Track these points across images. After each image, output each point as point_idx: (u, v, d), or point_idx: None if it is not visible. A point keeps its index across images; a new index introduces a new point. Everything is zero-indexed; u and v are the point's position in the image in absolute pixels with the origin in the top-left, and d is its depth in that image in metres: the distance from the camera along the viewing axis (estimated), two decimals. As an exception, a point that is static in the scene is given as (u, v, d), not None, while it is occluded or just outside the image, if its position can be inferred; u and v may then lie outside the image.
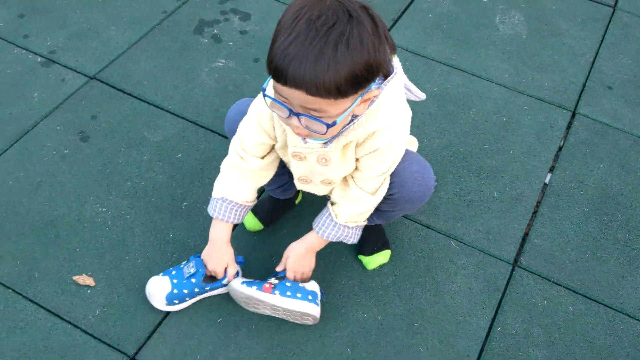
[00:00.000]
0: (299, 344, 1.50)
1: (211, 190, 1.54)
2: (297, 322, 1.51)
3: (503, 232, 1.74)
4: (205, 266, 1.49)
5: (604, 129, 2.02)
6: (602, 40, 2.31)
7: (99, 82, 2.01)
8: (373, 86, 1.18)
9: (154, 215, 1.70)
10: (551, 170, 1.90)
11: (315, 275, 1.60)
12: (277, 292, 1.45)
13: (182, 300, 1.51)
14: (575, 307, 1.61)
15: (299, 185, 1.46)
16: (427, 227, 1.74)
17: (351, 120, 1.23)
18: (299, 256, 1.50)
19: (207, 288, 1.50)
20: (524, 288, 1.64)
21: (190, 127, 1.91)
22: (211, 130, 1.91)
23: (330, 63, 1.05)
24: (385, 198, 1.41)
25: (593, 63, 2.23)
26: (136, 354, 1.46)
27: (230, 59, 2.12)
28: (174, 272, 1.51)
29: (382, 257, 1.66)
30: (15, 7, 2.22)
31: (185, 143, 1.87)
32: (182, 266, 1.53)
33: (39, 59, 2.06)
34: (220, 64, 2.10)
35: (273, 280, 1.49)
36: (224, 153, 1.80)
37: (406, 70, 2.12)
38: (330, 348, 1.50)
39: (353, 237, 1.46)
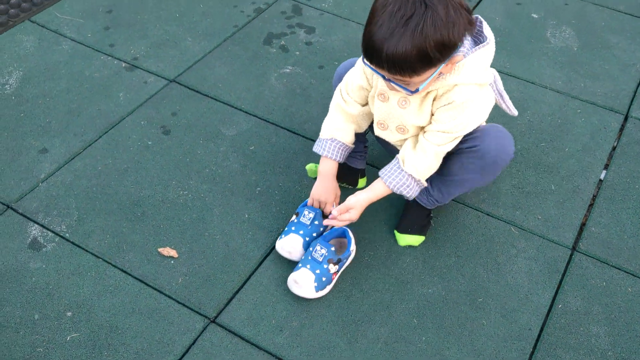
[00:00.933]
0: (367, 313, 1.59)
1: (282, 179, 1.83)
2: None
3: (561, 221, 1.81)
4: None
5: (657, 131, 2.09)
6: (652, 53, 2.40)
7: (177, 84, 2.19)
8: (458, 52, 1.38)
9: (230, 198, 1.83)
10: (606, 167, 1.97)
11: (381, 254, 1.70)
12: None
13: (313, 244, 1.64)
14: (635, 289, 1.66)
15: (377, 131, 1.61)
16: (488, 214, 1.82)
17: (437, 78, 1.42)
18: (362, 207, 1.62)
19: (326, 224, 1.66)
20: (583, 270, 1.70)
21: (262, 124, 2.06)
22: (281, 127, 2.05)
23: (406, 49, 1.27)
24: (463, 151, 1.54)
25: (644, 72, 2.32)
26: (216, 317, 1.57)
27: (297, 66, 2.28)
28: (293, 228, 1.67)
29: (413, 240, 1.74)
30: (101, 21, 2.44)
31: (257, 137, 2.01)
32: (295, 220, 1.68)
33: (124, 64, 2.25)
34: (288, 70, 2.26)
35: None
36: (293, 146, 1.95)
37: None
38: (397, 318, 1.58)
39: (412, 191, 1.57)
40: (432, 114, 1.48)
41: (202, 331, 1.54)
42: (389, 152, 1.81)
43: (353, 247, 1.66)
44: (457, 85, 1.41)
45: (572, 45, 2.43)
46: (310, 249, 1.62)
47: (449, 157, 1.58)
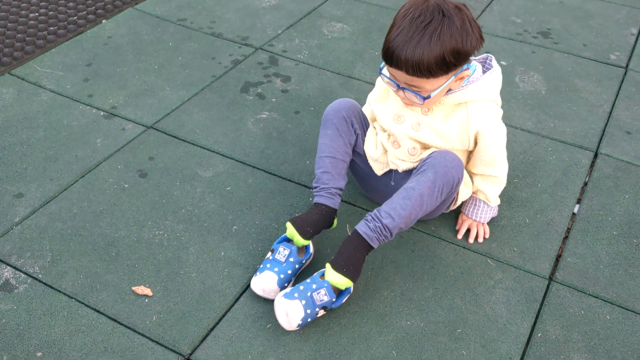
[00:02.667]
0: (346, 347, 1.56)
1: (259, 217, 1.88)
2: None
3: (537, 252, 1.82)
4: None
5: (626, 166, 2.14)
6: (617, 95, 2.48)
7: (155, 130, 2.21)
8: (466, 67, 1.57)
9: (207, 237, 1.83)
10: (578, 202, 2.00)
11: (359, 287, 1.69)
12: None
13: (289, 281, 1.65)
14: (613, 316, 1.66)
15: (388, 147, 1.74)
16: (464, 248, 1.83)
17: (448, 93, 1.61)
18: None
19: (304, 261, 1.68)
20: (561, 299, 1.70)
21: (239, 165, 2.08)
22: (258, 168, 2.07)
23: (424, 50, 1.46)
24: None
25: (610, 113, 2.39)
26: (191, 354, 1.53)
27: (273, 112, 2.32)
28: (268, 265, 1.65)
29: (342, 282, 1.55)
30: (81, 74, 2.48)
31: (234, 178, 2.03)
32: (271, 257, 1.67)
33: (102, 113, 2.28)
34: (264, 115, 2.30)
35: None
36: (270, 186, 1.97)
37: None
38: (376, 351, 1.56)
39: (492, 214, 1.86)
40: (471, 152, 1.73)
41: (176, 368, 1.51)
42: (368, 191, 1.89)
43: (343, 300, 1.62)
44: (470, 104, 1.62)
45: (540, 89, 2.51)
46: (314, 286, 1.55)
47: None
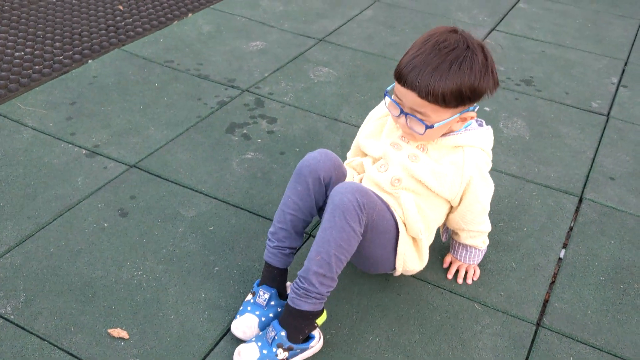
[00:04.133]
0: (329, 393, 1.51)
1: (242, 258, 1.83)
2: None
3: (524, 297, 1.79)
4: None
5: (611, 212, 2.14)
6: (599, 141, 2.51)
7: (138, 169, 2.18)
8: (472, 109, 1.52)
9: (187, 278, 1.78)
10: (564, 246, 1.99)
11: (343, 332, 1.64)
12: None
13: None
14: (602, 363, 1.62)
15: (373, 171, 1.63)
16: (450, 292, 1.80)
17: (445, 134, 1.57)
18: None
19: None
20: (549, 346, 1.66)
21: (222, 205, 2.04)
22: (241, 208, 2.03)
23: (442, 76, 1.40)
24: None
25: (594, 159, 2.40)
26: (167, 400, 1.47)
27: (259, 152, 2.30)
28: (249, 308, 1.61)
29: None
30: (64, 112, 2.46)
31: (217, 218, 1.99)
32: (252, 301, 1.62)
33: (84, 151, 2.25)
34: (249, 156, 2.28)
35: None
36: (253, 227, 1.94)
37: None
38: (361, 397, 1.50)
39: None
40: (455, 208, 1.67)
41: (152, 415, 1.44)
42: None
43: (315, 344, 1.56)
44: (471, 148, 1.58)
45: (524, 134, 2.52)
46: (270, 328, 1.54)
47: None
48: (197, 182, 2.14)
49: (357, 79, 2.82)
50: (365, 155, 1.73)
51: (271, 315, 1.61)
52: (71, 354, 1.55)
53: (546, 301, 1.79)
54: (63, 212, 1.98)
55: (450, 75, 1.40)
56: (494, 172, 2.28)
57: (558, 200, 2.17)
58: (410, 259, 1.65)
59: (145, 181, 2.13)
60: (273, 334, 1.51)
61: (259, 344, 1.51)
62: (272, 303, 1.62)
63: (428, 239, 1.67)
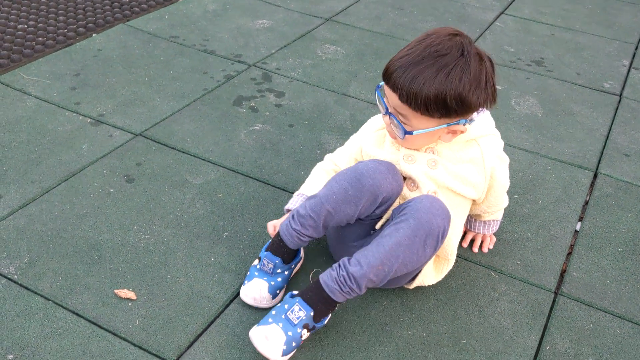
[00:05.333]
0: (343, 355, 1.46)
1: (252, 224, 1.78)
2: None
3: (541, 266, 1.75)
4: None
5: (626, 186, 2.10)
6: (613, 120, 2.47)
7: (144, 138, 2.13)
8: (463, 123, 1.38)
9: (196, 242, 1.73)
10: (580, 219, 1.95)
11: (357, 297, 1.59)
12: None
13: (282, 288, 1.56)
14: (623, 331, 1.57)
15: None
16: (466, 260, 1.75)
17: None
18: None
19: (292, 266, 1.58)
20: (568, 313, 1.61)
21: (230, 174, 2.00)
22: (250, 177, 1.99)
23: (427, 81, 1.28)
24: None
25: (608, 136, 2.36)
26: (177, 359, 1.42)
27: (267, 124, 2.26)
28: (256, 273, 1.55)
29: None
30: (68, 82, 2.41)
31: (225, 186, 1.94)
32: (258, 266, 1.56)
33: (89, 120, 2.20)
34: (257, 127, 2.24)
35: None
36: (263, 195, 1.89)
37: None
38: (376, 360, 1.45)
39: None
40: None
41: (160, 374, 1.38)
42: (339, 244, 1.61)
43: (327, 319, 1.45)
44: (484, 138, 1.50)
45: (536, 112, 2.48)
46: (286, 306, 1.39)
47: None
48: (205, 151, 2.09)
49: (365, 57, 2.78)
50: None
51: (279, 280, 1.55)
52: (77, 314, 1.50)
53: (564, 271, 1.75)
54: (68, 177, 1.93)
55: (435, 82, 1.27)
56: (507, 146, 2.24)
57: (573, 174, 2.13)
58: (429, 276, 1.56)
59: (151, 149, 2.08)
60: (302, 313, 1.37)
61: (280, 324, 1.36)
62: (278, 271, 1.56)
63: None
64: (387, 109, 1.39)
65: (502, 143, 1.60)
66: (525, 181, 2.08)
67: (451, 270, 1.71)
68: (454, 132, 1.40)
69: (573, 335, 1.55)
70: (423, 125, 1.35)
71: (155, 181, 1.94)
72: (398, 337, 1.51)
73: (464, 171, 1.48)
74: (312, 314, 1.37)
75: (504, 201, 1.69)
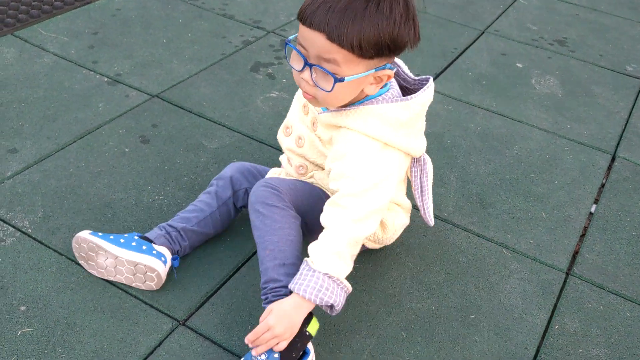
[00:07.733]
0: (352, 324, 1.46)
1: None
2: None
3: (554, 246, 1.74)
4: None
5: (644, 171, 2.07)
6: (634, 104, 2.43)
7: (160, 99, 2.12)
8: (389, 67, 1.24)
9: (209, 205, 1.73)
10: (596, 202, 1.93)
11: (367, 266, 1.60)
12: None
13: None
14: (634, 314, 1.57)
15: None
16: (478, 235, 1.74)
17: (351, 104, 1.29)
18: (281, 318, 1.25)
19: None
20: (579, 294, 1.61)
21: (246, 140, 1.99)
22: (266, 144, 1.98)
23: (357, 16, 1.12)
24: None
25: (628, 120, 2.33)
26: (187, 320, 1.43)
27: (283, 92, 2.24)
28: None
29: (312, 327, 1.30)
30: (86, 41, 2.40)
31: (240, 151, 1.94)
32: None
33: (106, 79, 2.19)
34: (274, 94, 2.22)
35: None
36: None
37: (449, 113, 2.23)
38: (384, 330, 1.46)
39: (335, 296, 1.25)
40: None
41: (170, 333, 1.39)
42: None
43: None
44: (343, 128, 1.28)
45: (556, 92, 2.45)
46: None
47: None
48: (220, 116, 2.08)
49: (386, 29, 2.74)
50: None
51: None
52: (89, 270, 1.51)
53: (576, 252, 1.74)
54: (83, 135, 1.93)
55: (366, 17, 1.12)
56: (525, 125, 2.22)
57: (590, 156, 2.11)
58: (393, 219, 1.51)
59: (167, 111, 2.07)
60: (263, 357, 1.24)
61: None
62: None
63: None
64: (305, 61, 1.20)
65: (384, 153, 1.31)
66: (542, 161, 2.06)
67: (463, 245, 1.71)
68: (380, 80, 1.25)
69: (582, 316, 1.55)
70: (353, 71, 1.18)
71: (171, 143, 1.94)
72: (407, 308, 1.51)
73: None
74: (276, 355, 1.25)
75: (355, 185, 1.29)
